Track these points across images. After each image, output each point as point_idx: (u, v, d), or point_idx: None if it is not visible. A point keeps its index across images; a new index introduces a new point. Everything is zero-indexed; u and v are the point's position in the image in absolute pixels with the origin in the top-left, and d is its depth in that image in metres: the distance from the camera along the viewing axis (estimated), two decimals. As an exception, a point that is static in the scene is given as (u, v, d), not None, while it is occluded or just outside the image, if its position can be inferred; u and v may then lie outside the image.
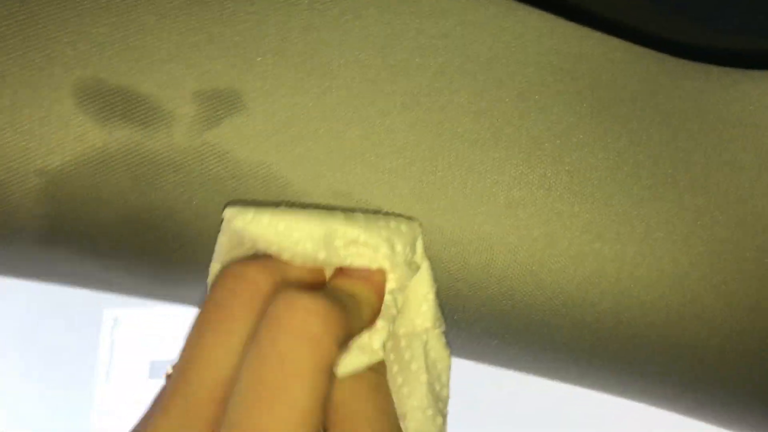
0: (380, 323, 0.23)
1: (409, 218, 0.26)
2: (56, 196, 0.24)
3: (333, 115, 0.25)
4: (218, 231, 0.25)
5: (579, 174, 0.28)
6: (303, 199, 0.25)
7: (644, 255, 0.28)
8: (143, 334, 1.37)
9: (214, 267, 0.24)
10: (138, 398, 1.32)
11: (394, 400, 0.24)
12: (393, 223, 0.24)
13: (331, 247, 0.23)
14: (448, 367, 0.26)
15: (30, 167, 0.23)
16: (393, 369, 0.25)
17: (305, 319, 0.20)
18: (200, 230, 0.25)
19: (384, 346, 0.23)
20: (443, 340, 0.26)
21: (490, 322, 0.29)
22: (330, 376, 0.20)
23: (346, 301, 0.22)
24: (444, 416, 0.25)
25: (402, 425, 0.24)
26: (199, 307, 0.21)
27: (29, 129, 0.23)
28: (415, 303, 0.25)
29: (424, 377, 0.24)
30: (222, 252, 0.24)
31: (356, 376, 0.22)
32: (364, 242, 0.23)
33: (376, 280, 0.24)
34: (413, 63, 0.26)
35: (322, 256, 0.23)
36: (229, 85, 0.24)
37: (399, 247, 0.24)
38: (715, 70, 0.30)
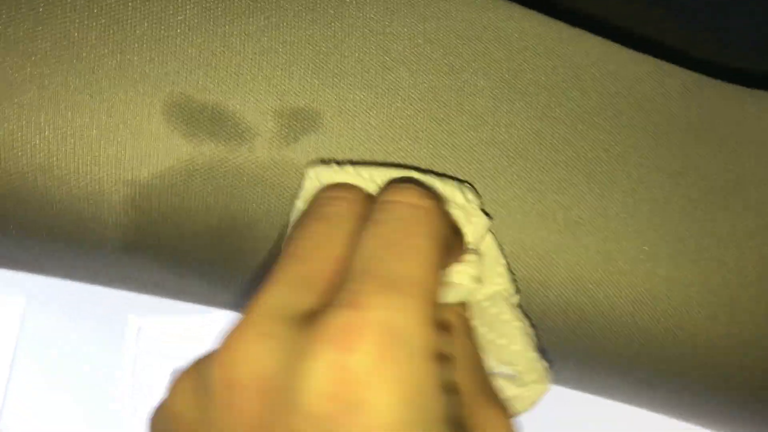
0: (474, 257, 0.24)
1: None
2: (143, 206, 0.25)
3: (402, 134, 0.27)
4: None
5: (634, 195, 0.29)
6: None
7: (696, 275, 0.29)
8: (167, 342, 1.38)
9: (298, 204, 0.25)
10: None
11: (491, 358, 0.25)
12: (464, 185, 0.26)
13: None
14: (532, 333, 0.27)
15: (120, 178, 0.24)
16: (482, 331, 0.26)
17: (419, 195, 0.21)
18: (277, 241, 0.26)
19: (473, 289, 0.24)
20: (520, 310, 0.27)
21: (541, 338, 0.30)
22: (443, 254, 0.21)
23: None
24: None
25: (507, 371, 0.25)
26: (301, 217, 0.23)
27: (122, 141, 0.24)
28: (490, 266, 0.26)
29: (518, 323, 0.25)
30: (307, 197, 0.25)
31: (456, 318, 0.24)
32: (440, 189, 0.25)
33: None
34: (478, 86, 0.28)
35: None
36: (307, 104, 0.25)
37: (471, 196, 0.25)
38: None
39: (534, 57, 0.29)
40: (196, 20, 0.25)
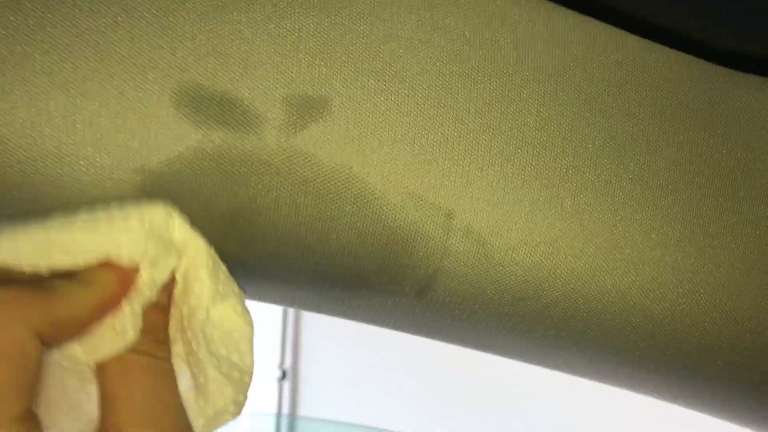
0: (124, 305, 0.24)
1: (151, 205, 0.25)
2: (152, 194, 0.25)
3: (410, 120, 0.27)
4: (306, 229, 0.26)
5: (641, 182, 0.29)
6: (380, 201, 0.26)
7: (703, 263, 0.29)
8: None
9: None
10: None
11: (193, 382, 0.25)
12: (119, 222, 0.24)
13: (51, 258, 0.23)
14: (249, 336, 0.26)
15: (130, 165, 0.24)
16: (182, 352, 0.25)
17: None
18: (286, 229, 0.26)
19: (138, 328, 0.23)
20: (239, 309, 0.26)
21: (550, 326, 0.30)
22: (25, 355, 0.20)
23: (55, 285, 0.22)
24: (239, 385, 0.25)
25: (198, 403, 0.25)
26: None
27: (131, 129, 0.24)
28: (192, 284, 0.25)
29: (202, 353, 0.25)
30: None
31: (124, 362, 0.23)
32: (77, 249, 0.23)
33: (117, 265, 0.24)
34: (487, 71, 0.28)
35: (43, 266, 0.23)
36: (315, 92, 0.25)
37: (125, 242, 0.24)
38: None
39: (541, 44, 0.28)
40: (204, 8, 0.25)
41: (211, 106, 0.25)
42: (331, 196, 0.26)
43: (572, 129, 0.28)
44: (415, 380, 1.44)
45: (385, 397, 1.49)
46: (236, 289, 0.26)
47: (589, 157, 0.28)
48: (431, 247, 0.27)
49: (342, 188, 0.26)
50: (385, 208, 0.27)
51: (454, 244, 0.27)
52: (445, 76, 0.27)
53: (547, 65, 0.28)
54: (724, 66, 0.31)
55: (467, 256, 0.27)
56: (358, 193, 0.26)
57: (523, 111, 0.28)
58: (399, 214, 0.27)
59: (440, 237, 0.27)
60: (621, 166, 0.29)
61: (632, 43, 0.30)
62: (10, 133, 0.23)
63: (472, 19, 0.28)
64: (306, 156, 0.26)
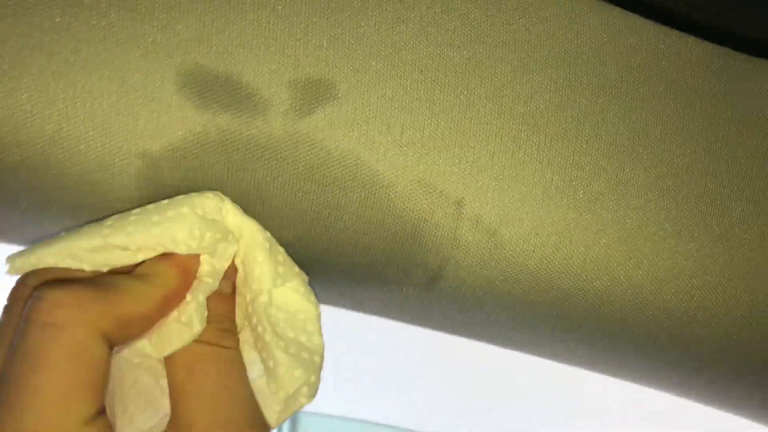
0: (188, 297, 0.24)
1: (201, 194, 0.24)
2: (156, 179, 0.24)
3: (420, 106, 0.26)
4: (312, 217, 0.25)
5: (655, 170, 0.28)
6: (388, 189, 0.26)
7: (718, 254, 0.29)
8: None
9: None
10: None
11: (264, 368, 0.25)
12: (170, 213, 0.23)
13: (111, 257, 0.23)
14: (316, 316, 0.25)
15: (133, 150, 0.24)
16: (250, 339, 0.25)
17: (49, 311, 0.20)
18: (292, 217, 0.26)
19: (204, 318, 0.23)
20: (302, 289, 0.25)
21: (561, 319, 0.29)
22: (92, 357, 0.20)
23: (118, 283, 0.22)
24: (309, 365, 0.25)
25: (270, 388, 0.24)
26: None
27: (134, 112, 0.23)
28: (251, 269, 0.25)
29: (268, 336, 0.24)
30: None
31: (191, 354, 0.23)
32: (136, 248, 0.23)
33: (178, 258, 0.24)
34: (498, 56, 0.27)
35: (105, 269, 0.23)
36: (323, 75, 0.25)
37: (182, 236, 0.23)
38: None
39: (554, 28, 0.28)
40: None
41: (215, 90, 0.24)
42: (338, 183, 0.25)
43: (586, 115, 0.28)
44: (419, 376, 1.44)
45: (388, 393, 1.49)
46: (297, 269, 0.26)
47: (603, 145, 0.28)
48: (441, 237, 0.26)
49: (349, 175, 0.25)
50: (393, 195, 0.26)
51: (464, 234, 0.26)
52: (455, 60, 0.26)
53: (561, 49, 0.28)
54: (742, 52, 0.30)
55: (477, 246, 0.27)
56: (366, 181, 0.26)
57: (535, 96, 0.27)
58: (408, 202, 0.26)
59: (450, 226, 0.26)
60: (635, 154, 0.28)
61: (647, 27, 0.29)
62: (10, 115, 0.23)
63: (483, 2, 0.27)
64: (312, 142, 0.25)
